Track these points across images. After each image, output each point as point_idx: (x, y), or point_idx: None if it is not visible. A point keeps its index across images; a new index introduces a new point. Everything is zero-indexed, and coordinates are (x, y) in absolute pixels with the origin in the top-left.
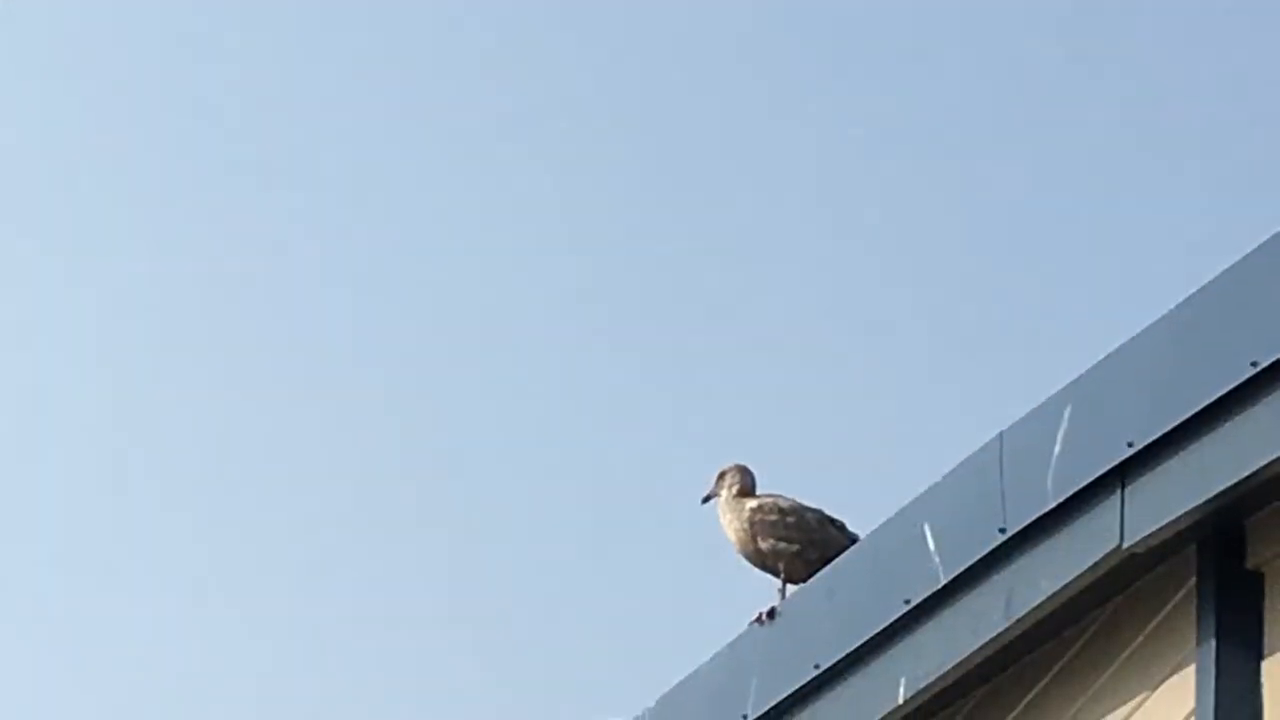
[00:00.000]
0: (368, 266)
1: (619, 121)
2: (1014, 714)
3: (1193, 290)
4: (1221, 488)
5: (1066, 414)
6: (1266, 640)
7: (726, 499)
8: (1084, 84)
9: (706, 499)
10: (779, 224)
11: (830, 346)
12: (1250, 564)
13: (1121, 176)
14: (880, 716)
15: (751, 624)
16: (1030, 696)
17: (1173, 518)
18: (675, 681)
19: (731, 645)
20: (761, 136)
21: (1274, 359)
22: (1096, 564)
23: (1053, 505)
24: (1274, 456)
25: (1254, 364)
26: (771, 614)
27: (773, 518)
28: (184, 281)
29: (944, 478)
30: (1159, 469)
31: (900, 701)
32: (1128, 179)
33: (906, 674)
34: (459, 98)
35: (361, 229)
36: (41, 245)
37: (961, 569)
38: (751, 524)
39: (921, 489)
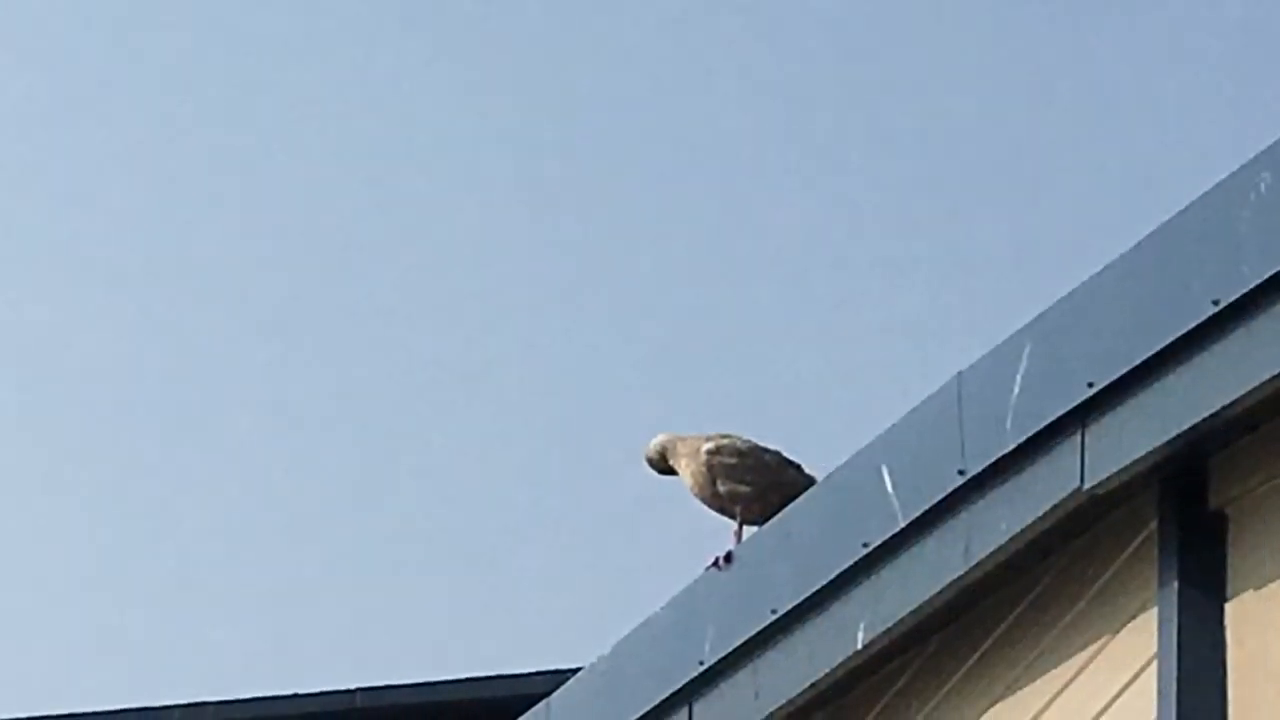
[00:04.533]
0: (329, 199)
1: (592, 52)
2: (975, 657)
3: (1153, 227)
4: (1183, 427)
5: (1025, 354)
6: (1230, 582)
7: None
8: (1062, 24)
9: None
10: (740, 159)
11: (787, 285)
12: (1213, 504)
13: (1084, 109)
14: (839, 662)
15: (708, 568)
16: (991, 640)
17: (1134, 458)
18: (631, 627)
19: (687, 590)
20: (729, 68)
21: (1236, 297)
22: (1057, 506)
23: (1012, 447)
24: (1236, 395)
25: (1215, 302)
26: (729, 558)
27: (731, 460)
28: (163, 213)
29: (902, 419)
30: (1120, 409)
31: (859, 646)
32: (1090, 111)
33: (865, 618)
34: (438, 42)
35: (329, 161)
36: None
37: (920, 511)
38: (709, 467)
39: (879, 430)
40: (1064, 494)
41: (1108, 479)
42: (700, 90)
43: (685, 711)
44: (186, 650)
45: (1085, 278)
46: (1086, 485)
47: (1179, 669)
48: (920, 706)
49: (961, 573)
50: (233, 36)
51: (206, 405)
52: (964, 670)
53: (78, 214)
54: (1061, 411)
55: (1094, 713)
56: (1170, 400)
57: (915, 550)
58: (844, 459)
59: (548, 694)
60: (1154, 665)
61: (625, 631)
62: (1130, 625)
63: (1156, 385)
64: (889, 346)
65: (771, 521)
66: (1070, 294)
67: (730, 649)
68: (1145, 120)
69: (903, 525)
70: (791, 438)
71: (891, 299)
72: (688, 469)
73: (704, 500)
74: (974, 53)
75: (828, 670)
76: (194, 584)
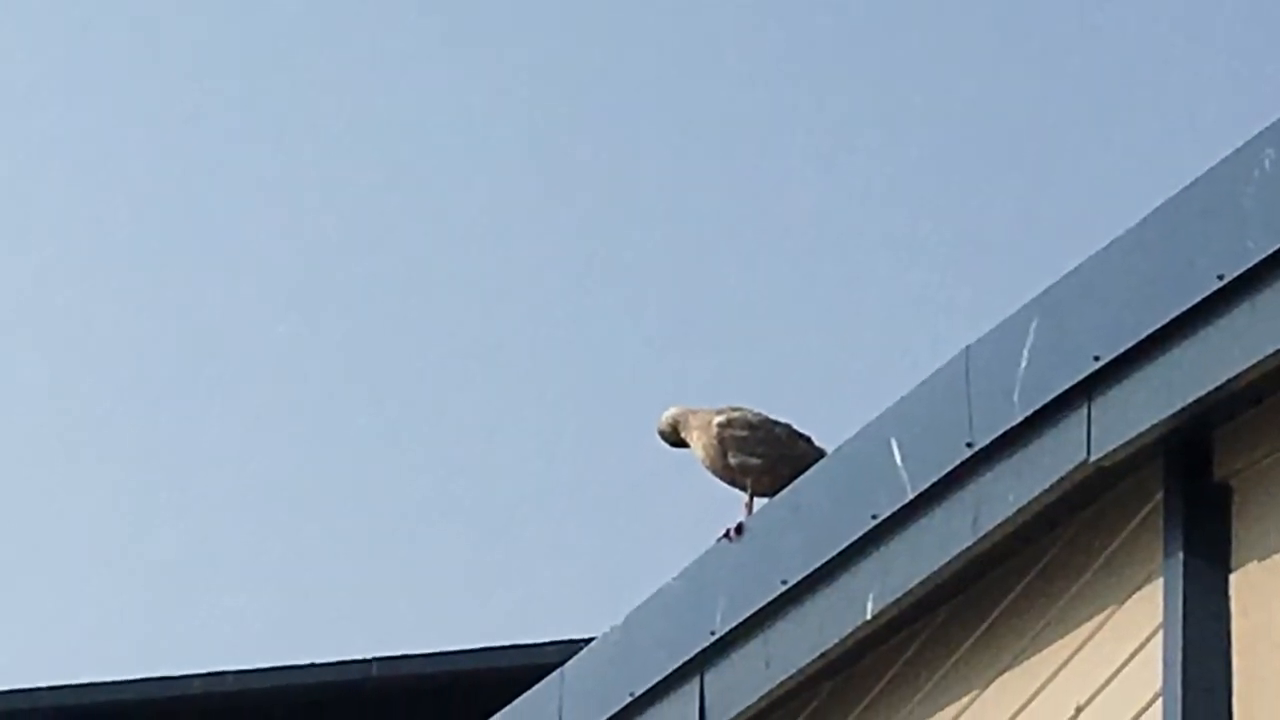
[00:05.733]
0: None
1: (604, 31)
2: (983, 627)
3: (1158, 203)
4: (1189, 400)
5: (1033, 328)
6: (1234, 553)
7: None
8: (1068, 2)
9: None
10: (751, 138)
11: (798, 261)
12: (1218, 476)
13: (1090, 86)
14: (848, 632)
15: (719, 540)
16: (999, 610)
17: (1139, 431)
18: (643, 598)
19: (699, 561)
20: (740, 48)
21: (1240, 271)
22: (1063, 478)
23: (1019, 420)
24: (1241, 369)
25: (1220, 277)
26: (740, 530)
27: (743, 433)
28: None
29: (911, 392)
30: (1125, 382)
31: (868, 617)
32: (1096, 89)
33: (874, 589)
34: (452, 22)
35: (345, 140)
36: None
37: (929, 484)
38: (721, 440)
39: (888, 403)
40: (1070, 466)
41: (1114, 451)
42: (711, 70)
43: (696, 681)
44: (205, 620)
45: (1091, 253)
46: (1093, 458)
47: (1184, 639)
48: (929, 676)
49: (969, 544)
50: (250, 17)
51: (223, 378)
52: (972, 640)
53: (98, 193)
54: (1068, 385)
55: (1100, 682)
56: (1175, 373)
57: (924, 522)
58: (854, 432)
59: (561, 664)
60: (1159, 635)
61: (637, 602)
62: (1136, 596)
63: (1162, 359)
64: (898, 321)
65: (782, 493)
66: (1076, 269)
67: (741, 619)
68: (1150, 97)
69: (911, 497)
70: (802, 411)
71: (901, 274)
72: (699, 441)
73: (715, 472)
74: (980, 31)
75: (837, 640)
76: (212, 555)
